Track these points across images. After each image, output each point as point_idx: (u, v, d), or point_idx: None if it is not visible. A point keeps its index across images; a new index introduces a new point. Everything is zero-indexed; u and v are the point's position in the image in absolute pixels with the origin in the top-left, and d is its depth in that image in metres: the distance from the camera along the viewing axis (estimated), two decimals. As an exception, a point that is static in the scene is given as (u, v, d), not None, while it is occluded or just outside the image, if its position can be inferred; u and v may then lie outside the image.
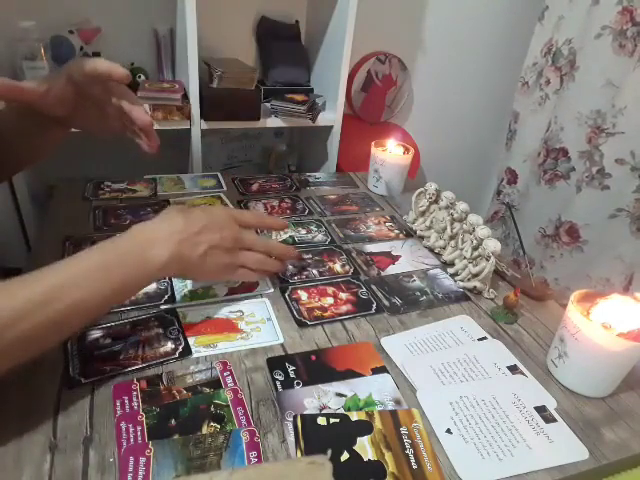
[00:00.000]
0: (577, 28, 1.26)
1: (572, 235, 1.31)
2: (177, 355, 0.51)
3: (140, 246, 0.48)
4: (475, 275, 0.68)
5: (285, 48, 1.38)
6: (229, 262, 0.56)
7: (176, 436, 0.42)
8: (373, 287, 0.67)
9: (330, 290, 0.65)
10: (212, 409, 0.45)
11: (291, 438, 0.43)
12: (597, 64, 1.21)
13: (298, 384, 0.49)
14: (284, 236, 0.78)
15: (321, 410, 0.47)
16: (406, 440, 0.44)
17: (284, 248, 0.65)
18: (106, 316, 0.56)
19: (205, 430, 0.43)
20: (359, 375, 0.52)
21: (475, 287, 0.68)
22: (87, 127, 0.62)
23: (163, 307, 0.58)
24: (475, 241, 0.68)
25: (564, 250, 1.34)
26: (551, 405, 0.50)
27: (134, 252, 0.47)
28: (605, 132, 1.20)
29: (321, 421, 0.45)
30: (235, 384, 0.48)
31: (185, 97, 1.15)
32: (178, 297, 0.60)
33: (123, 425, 0.43)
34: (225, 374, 0.49)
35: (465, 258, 0.71)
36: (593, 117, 1.24)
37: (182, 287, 0.62)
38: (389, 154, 0.96)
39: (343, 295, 0.65)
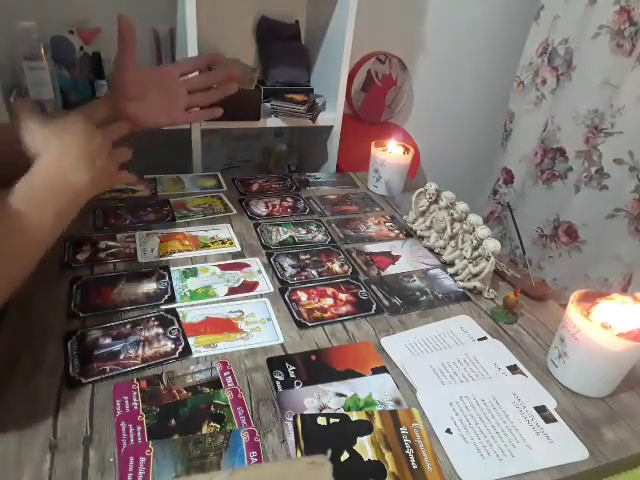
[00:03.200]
0: (573, 28, 1.26)
1: (570, 235, 1.31)
2: (177, 355, 0.51)
3: (55, 184, 0.48)
4: (475, 275, 0.68)
5: (285, 48, 1.38)
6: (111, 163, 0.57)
7: (176, 436, 0.42)
8: (373, 287, 0.67)
9: (330, 291, 0.65)
10: (212, 409, 0.45)
11: (291, 438, 0.43)
12: (594, 64, 1.21)
13: (298, 384, 0.49)
14: (284, 236, 0.78)
15: (321, 410, 0.47)
16: (406, 440, 0.44)
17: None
18: (106, 316, 0.56)
19: (205, 430, 0.43)
20: (359, 375, 0.52)
21: (475, 287, 0.68)
22: (153, 116, 0.64)
23: (163, 307, 0.58)
24: (475, 241, 0.68)
25: (562, 250, 1.34)
26: (551, 405, 0.50)
27: (52, 191, 0.48)
28: (603, 132, 1.20)
29: (321, 421, 0.45)
30: (235, 384, 0.48)
31: (185, 97, 1.14)
32: (178, 297, 0.60)
33: (123, 425, 0.43)
34: (225, 374, 0.49)
35: (465, 258, 0.71)
36: (591, 117, 1.24)
37: (182, 287, 0.62)
38: (389, 154, 0.96)
39: (343, 296, 0.65)
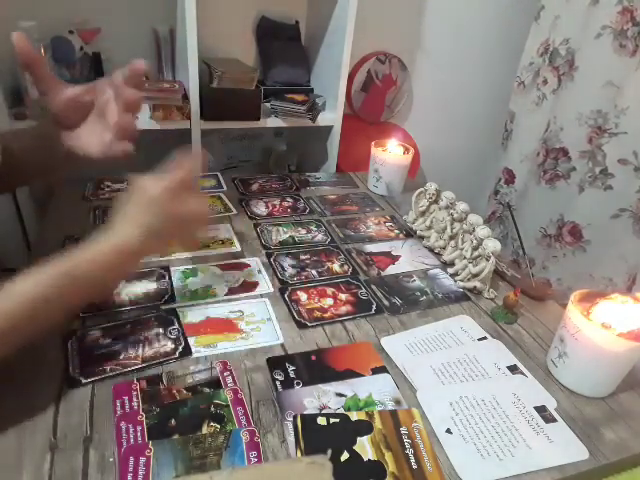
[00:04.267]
0: (574, 28, 1.26)
1: (575, 235, 1.31)
2: (177, 355, 0.51)
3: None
4: (475, 275, 0.68)
5: (285, 48, 1.38)
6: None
7: (176, 436, 0.42)
8: (373, 287, 0.67)
9: (330, 291, 0.65)
10: (212, 409, 0.45)
11: (291, 438, 0.43)
12: (597, 64, 1.21)
13: (298, 384, 0.49)
14: (284, 236, 0.78)
15: (321, 410, 0.47)
16: (406, 440, 0.44)
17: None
18: (106, 316, 0.56)
19: (205, 430, 0.43)
20: (359, 375, 0.51)
21: (475, 287, 0.68)
22: (87, 143, 0.56)
23: (163, 307, 0.58)
24: (475, 241, 0.68)
25: (567, 250, 1.34)
26: (551, 405, 0.50)
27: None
28: (607, 132, 1.20)
29: (321, 421, 0.45)
30: (235, 384, 0.48)
31: (185, 97, 1.15)
32: (178, 297, 0.60)
33: (123, 425, 0.43)
34: (225, 374, 0.49)
35: (465, 258, 0.71)
36: (594, 117, 1.24)
37: (182, 287, 0.62)
38: (389, 154, 0.96)
39: (343, 296, 0.64)
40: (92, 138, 0.55)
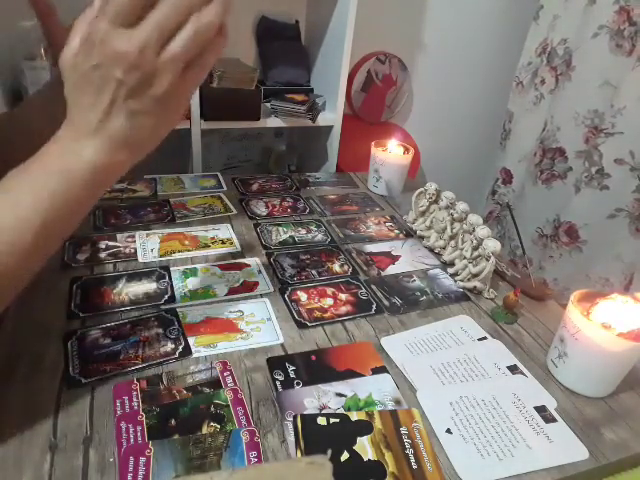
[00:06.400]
0: (573, 28, 1.26)
1: (571, 235, 1.31)
2: (177, 355, 0.51)
3: (56, 168, 0.36)
4: (475, 275, 0.68)
5: (285, 48, 1.38)
6: (164, 89, 0.35)
7: (176, 436, 0.42)
8: (373, 287, 0.67)
9: (330, 291, 0.65)
10: (212, 409, 0.45)
11: (291, 438, 0.43)
12: (594, 64, 1.21)
13: (298, 384, 0.49)
14: (284, 236, 0.78)
15: (321, 410, 0.47)
16: (406, 440, 0.44)
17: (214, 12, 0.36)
18: (106, 316, 0.56)
19: (205, 430, 0.43)
20: (359, 375, 0.51)
21: (475, 287, 0.68)
22: None
23: (163, 307, 0.58)
24: (475, 241, 0.68)
25: (563, 250, 1.34)
26: (551, 405, 0.50)
27: (54, 180, 0.36)
28: (604, 132, 1.20)
29: (321, 421, 0.45)
30: (235, 384, 0.48)
31: (185, 97, 1.15)
32: (178, 297, 0.60)
33: (123, 425, 0.43)
34: (225, 374, 0.49)
35: (465, 258, 0.71)
36: (590, 117, 1.24)
37: (182, 287, 0.62)
38: (389, 154, 0.96)
39: (343, 296, 0.65)
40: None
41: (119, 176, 0.39)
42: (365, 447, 0.43)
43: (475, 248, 0.69)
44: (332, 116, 1.31)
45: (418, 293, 0.67)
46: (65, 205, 0.37)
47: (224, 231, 0.77)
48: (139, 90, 0.35)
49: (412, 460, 0.42)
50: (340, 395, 0.49)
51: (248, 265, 0.69)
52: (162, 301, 0.59)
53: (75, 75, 0.36)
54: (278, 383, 0.49)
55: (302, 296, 0.63)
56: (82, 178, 0.37)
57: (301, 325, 0.58)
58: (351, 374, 0.51)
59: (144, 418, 0.43)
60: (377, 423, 0.45)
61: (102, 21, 0.33)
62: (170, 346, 0.52)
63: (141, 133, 0.37)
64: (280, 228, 0.80)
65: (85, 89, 0.36)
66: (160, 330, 0.54)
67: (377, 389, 0.50)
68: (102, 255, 0.67)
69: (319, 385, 0.49)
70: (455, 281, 0.71)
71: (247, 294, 0.63)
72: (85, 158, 0.36)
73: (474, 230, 0.69)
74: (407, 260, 0.75)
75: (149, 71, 0.34)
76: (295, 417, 0.45)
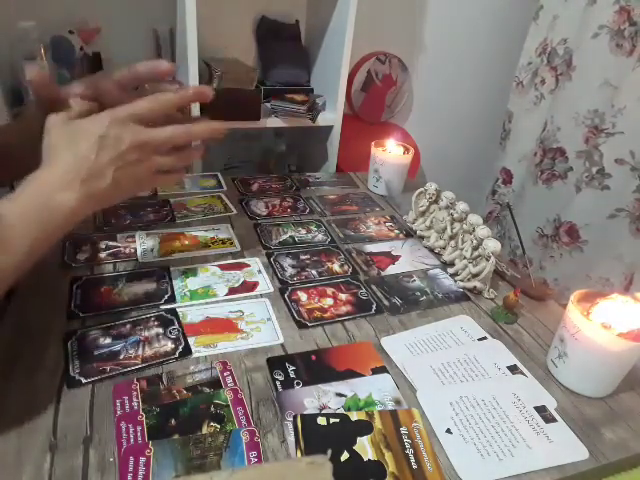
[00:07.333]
0: (573, 28, 1.26)
1: (572, 235, 1.31)
2: (177, 355, 0.51)
3: (40, 202, 0.42)
4: (475, 275, 0.68)
5: (285, 48, 1.38)
6: (143, 174, 0.47)
7: (176, 436, 0.42)
8: (373, 287, 0.67)
9: (330, 291, 0.65)
10: (212, 409, 0.45)
11: (291, 438, 0.43)
12: (594, 64, 1.21)
13: (298, 384, 0.49)
14: (284, 236, 0.78)
15: (321, 410, 0.47)
16: (406, 440, 0.44)
17: (205, 127, 0.53)
18: (106, 316, 0.56)
19: (205, 430, 0.43)
20: (359, 375, 0.51)
21: (475, 287, 0.68)
22: None
23: (163, 307, 0.58)
24: (475, 241, 0.68)
25: (564, 250, 1.34)
26: (551, 405, 0.50)
27: (36, 210, 0.42)
28: (604, 132, 1.20)
29: (321, 421, 0.45)
30: (235, 384, 0.48)
31: (185, 97, 1.15)
32: (178, 297, 0.60)
33: (123, 425, 0.43)
34: (225, 374, 0.49)
35: (465, 258, 0.71)
36: (591, 117, 1.24)
37: (182, 287, 0.62)
38: (389, 154, 0.96)
39: (343, 296, 0.65)
40: None
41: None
42: (365, 447, 0.43)
43: (475, 248, 0.69)
44: (332, 116, 1.31)
45: (418, 293, 0.67)
46: (32, 246, 0.42)
47: (224, 231, 0.77)
48: (129, 166, 0.45)
49: (412, 460, 0.42)
50: (340, 395, 0.49)
51: (248, 265, 0.69)
52: (162, 301, 0.59)
53: (74, 126, 0.44)
54: (278, 383, 0.49)
55: (302, 296, 0.63)
56: (57, 225, 0.43)
57: (301, 325, 0.58)
58: (351, 374, 0.51)
59: (144, 418, 0.43)
60: (377, 423, 0.45)
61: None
62: (170, 346, 0.52)
63: (113, 197, 0.47)
64: (280, 228, 0.80)
65: (83, 139, 0.43)
66: (160, 330, 0.54)
67: (377, 389, 0.50)
68: (102, 255, 0.67)
69: (319, 385, 0.49)
70: (455, 281, 0.71)
71: (247, 294, 0.63)
72: (64, 209, 0.42)
73: (474, 230, 0.69)
74: (407, 260, 0.75)
75: (143, 158, 0.46)
76: (295, 417, 0.45)
